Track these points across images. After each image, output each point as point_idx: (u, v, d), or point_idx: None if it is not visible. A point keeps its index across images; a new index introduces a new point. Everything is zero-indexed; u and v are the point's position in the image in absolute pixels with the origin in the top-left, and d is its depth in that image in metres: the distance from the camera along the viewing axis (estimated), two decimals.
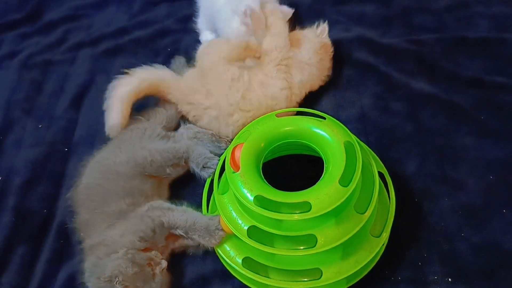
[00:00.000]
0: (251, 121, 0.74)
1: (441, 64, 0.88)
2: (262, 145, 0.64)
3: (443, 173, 0.74)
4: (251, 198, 0.58)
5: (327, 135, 0.63)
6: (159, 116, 0.83)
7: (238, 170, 0.61)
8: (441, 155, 0.76)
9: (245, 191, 0.59)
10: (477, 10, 0.96)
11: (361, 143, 0.70)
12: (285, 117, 0.69)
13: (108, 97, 0.80)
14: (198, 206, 0.72)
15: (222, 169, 0.70)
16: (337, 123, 0.66)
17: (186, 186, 0.78)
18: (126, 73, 0.82)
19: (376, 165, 0.66)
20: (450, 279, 0.64)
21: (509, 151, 0.76)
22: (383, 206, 0.66)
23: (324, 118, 0.67)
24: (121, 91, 0.80)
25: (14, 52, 1.05)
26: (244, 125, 0.75)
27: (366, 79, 0.88)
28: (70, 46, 1.05)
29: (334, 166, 0.60)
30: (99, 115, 0.91)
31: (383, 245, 0.63)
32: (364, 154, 0.65)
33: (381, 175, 0.68)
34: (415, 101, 0.84)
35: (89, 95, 0.96)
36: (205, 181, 0.75)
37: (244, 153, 0.62)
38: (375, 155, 0.71)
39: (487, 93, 0.83)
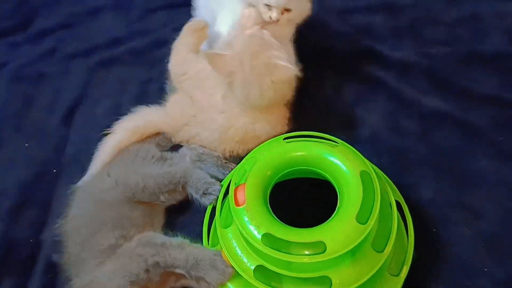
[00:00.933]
0: (235, 127, 0.68)
1: (454, 80, 0.81)
2: (269, 173, 0.57)
3: (461, 199, 0.67)
4: (258, 236, 0.52)
5: (341, 164, 0.56)
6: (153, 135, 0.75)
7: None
8: (458, 179, 0.70)
9: (252, 228, 0.52)
10: (490, 22, 0.90)
11: (376, 169, 0.64)
12: (294, 141, 0.62)
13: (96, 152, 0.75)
14: (198, 236, 0.64)
15: (226, 192, 0.63)
16: (351, 149, 0.59)
17: (184, 213, 0.71)
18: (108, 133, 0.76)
19: (393, 193, 0.60)
20: None
21: None
22: (399, 237, 0.59)
23: (337, 143, 0.61)
24: (108, 146, 0.74)
25: (3, 63, 0.96)
26: (229, 130, 0.70)
27: (376, 96, 0.81)
28: (63, 57, 0.97)
29: (349, 200, 0.53)
30: (91, 131, 0.84)
31: None
32: (380, 182, 0.58)
33: (397, 203, 0.62)
34: (428, 120, 0.77)
35: (82, 110, 0.88)
36: (205, 208, 0.68)
37: (250, 183, 0.56)
38: (390, 181, 0.65)
39: (504, 111, 0.76)
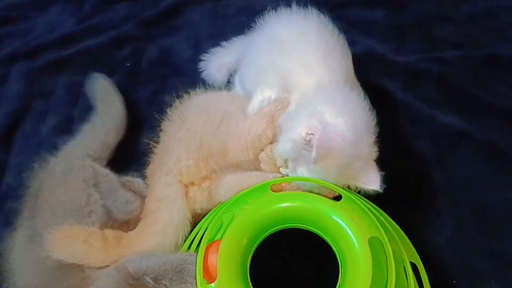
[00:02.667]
0: None
1: (472, 91, 0.67)
2: (247, 239, 0.42)
3: (486, 242, 0.55)
4: None
5: (346, 227, 0.42)
6: None
7: (213, 281, 0.40)
8: (482, 216, 0.57)
9: None
10: (509, 20, 0.75)
11: (386, 220, 0.49)
12: (284, 193, 0.46)
13: None
14: None
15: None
16: (357, 204, 0.45)
17: None
18: None
19: (407, 253, 0.46)
20: None
21: None
22: None
23: (340, 197, 0.46)
24: None
25: None
26: None
27: (379, 110, 0.66)
28: (1, 59, 0.78)
29: (355, 279, 0.40)
30: (35, 155, 0.66)
31: None
32: (393, 243, 0.44)
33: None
34: (443, 140, 0.63)
35: (23, 128, 0.70)
36: None
37: (224, 251, 0.41)
38: (404, 236, 0.50)
39: None
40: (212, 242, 0.43)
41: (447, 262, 0.54)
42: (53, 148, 0.64)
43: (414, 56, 0.72)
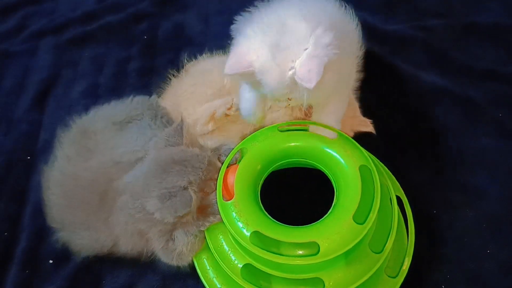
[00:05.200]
0: None
1: (452, 54, 0.71)
2: (259, 167, 0.48)
3: (463, 179, 0.59)
4: (247, 233, 0.42)
5: (340, 157, 0.47)
6: None
7: (231, 198, 0.45)
8: (459, 158, 0.61)
9: (240, 224, 0.43)
10: None
11: (376, 161, 0.54)
12: (290, 132, 0.51)
13: None
14: None
15: None
16: (350, 141, 0.50)
17: None
18: None
19: (393, 187, 0.51)
20: None
21: None
22: (399, 236, 0.50)
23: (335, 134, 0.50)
24: None
25: None
26: None
27: (370, 71, 0.70)
28: (30, 34, 0.82)
29: (347, 197, 0.44)
30: (66, 115, 0.70)
31: None
32: (381, 177, 0.49)
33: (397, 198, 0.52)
34: (426, 96, 0.67)
35: (54, 92, 0.75)
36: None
37: (239, 176, 0.46)
38: (390, 174, 0.55)
39: (502, 87, 0.67)
40: (231, 165, 0.48)
41: (428, 196, 0.58)
42: (82, 108, 0.70)
43: (401, 25, 0.76)
